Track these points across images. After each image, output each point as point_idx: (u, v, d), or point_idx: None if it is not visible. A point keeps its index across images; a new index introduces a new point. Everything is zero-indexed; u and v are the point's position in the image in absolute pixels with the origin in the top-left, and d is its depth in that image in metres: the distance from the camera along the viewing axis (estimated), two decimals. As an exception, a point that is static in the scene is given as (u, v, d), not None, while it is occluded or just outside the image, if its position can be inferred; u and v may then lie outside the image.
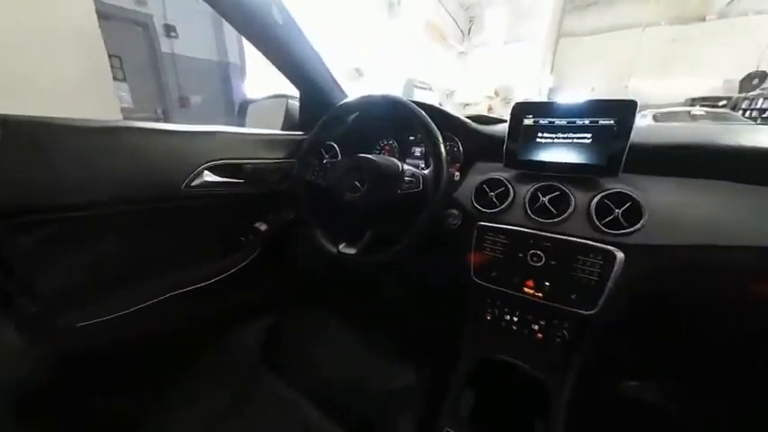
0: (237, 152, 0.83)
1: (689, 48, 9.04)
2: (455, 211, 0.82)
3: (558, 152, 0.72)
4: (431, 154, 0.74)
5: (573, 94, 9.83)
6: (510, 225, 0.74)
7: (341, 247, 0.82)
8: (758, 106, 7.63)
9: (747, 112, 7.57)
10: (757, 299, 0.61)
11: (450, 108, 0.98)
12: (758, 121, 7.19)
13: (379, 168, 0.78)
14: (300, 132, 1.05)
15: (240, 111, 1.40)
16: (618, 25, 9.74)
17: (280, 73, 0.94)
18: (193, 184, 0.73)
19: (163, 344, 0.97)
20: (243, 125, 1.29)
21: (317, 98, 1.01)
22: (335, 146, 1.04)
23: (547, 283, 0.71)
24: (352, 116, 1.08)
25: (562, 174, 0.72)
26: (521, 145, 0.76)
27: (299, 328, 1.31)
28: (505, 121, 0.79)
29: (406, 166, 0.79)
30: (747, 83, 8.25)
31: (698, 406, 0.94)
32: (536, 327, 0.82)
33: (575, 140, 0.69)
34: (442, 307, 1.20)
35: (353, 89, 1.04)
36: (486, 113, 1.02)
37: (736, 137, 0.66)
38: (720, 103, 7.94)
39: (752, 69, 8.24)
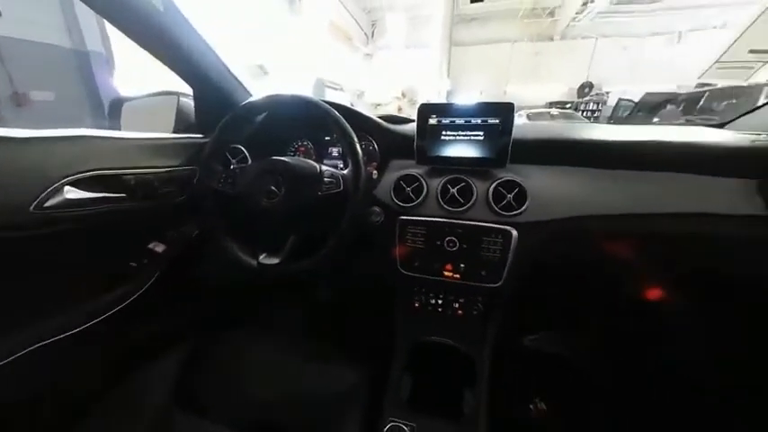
0: (115, 161, 0.68)
1: (546, 60, 11.28)
2: (377, 209, 0.85)
3: (460, 148, 0.81)
4: (348, 154, 0.75)
5: (467, 97, 11.21)
6: (427, 217, 0.81)
7: (261, 258, 0.76)
8: (589, 108, 10.14)
9: (584, 113, 9.92)
10: (614, 257, 0.82)
11: (363, 108, 1.00)
12: (591, 120, 9.49)
13: (295, 171, 0.75)
14: (199, 135, 0.93)
15: (112, 111, 1.15)
16: (494, 39, 11.50)
17: (161, 67, 0.81)
18: (49, 204, 0.57)
19: (47, 402, 0.78)
20: (117, 129, 1.06)
21: (215, 97, 0.91)
22: (243, 149, 0.95)
23: (462, 265, 0.81)
24: (261, 117, 1.01)
25: (465, 167, 0.82)
26: (429, 142, 0.83)
27: (219, 354, 1.16)
28: (414, 121, 0.85)
29: (324, 167, 0.77)
30: (581, 90, 10.87)
31: (588, 353, 1.19)
32: (456, 305, 0.92)
33: (472, 137, 0.79)
34: (373, 302, 1.23)
35: (258, 88, 0.97)
36: (396, 113, 1.08)
37: (579, 132, 0.86)
38: (567, 106, 10.26)
39: (584, 80, 10.84)
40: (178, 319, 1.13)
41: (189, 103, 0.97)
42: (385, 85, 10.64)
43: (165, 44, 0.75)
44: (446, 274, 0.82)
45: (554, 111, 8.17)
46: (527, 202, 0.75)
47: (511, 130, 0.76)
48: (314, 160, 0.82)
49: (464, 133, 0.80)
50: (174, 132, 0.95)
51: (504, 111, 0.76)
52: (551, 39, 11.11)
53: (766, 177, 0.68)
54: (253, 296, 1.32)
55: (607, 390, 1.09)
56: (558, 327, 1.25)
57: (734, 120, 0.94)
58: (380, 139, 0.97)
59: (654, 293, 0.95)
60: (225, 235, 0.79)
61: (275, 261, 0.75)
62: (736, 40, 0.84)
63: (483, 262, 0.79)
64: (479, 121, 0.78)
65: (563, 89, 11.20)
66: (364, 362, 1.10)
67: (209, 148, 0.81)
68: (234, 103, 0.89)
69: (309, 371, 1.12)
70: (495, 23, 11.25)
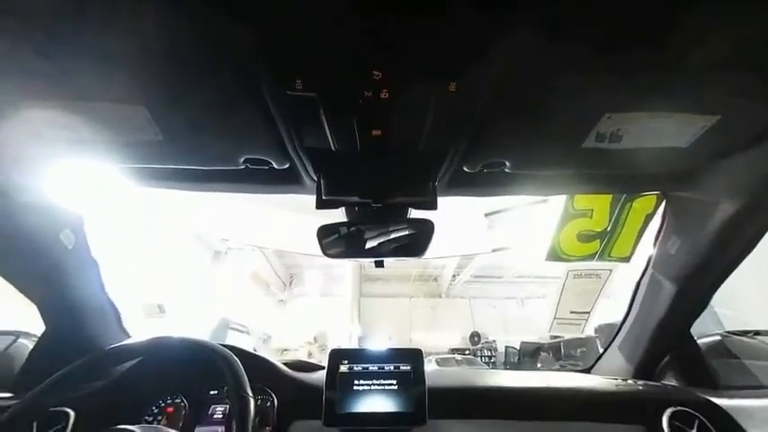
0: None
1: (440, 313, 13.45)
2: None
3: (373, 401, 0.72)
4: (235, 415, 0.58)
5: (377, 342, 11.51)
6: None
7: None
8: (485, 354, 11.33)
9: (482, 358, 10.91)
10: None
11: (266, 354, 0.90)
12: (489, 365, 10.30)
13: None
14: (7, 395, 0.64)
15: None
16: (396, 294, 13.84)
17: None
18: None
19: None
20: None
21: (71, 338, 0.73)
22: (70, 414, 0.66)
23: None
24: (127, 364, 0.79)
25: (380, 427, 0.70)
26: (339, 395, 0.73)
27: None
28: (324, 368, 0.78)
29: (193, 440, 0.55)
30: (472, 338, 12.53)
31: None
32: None
33: (385, 387, 0.74)
34: None
35: (150, 328, 0.84)
36: (306, 359, 0.99)
37: (492, 380, 0.90)
38: (466, 352, 11.32)
39: (471, 329, 12.81)
40: None
41: (27, 347, 0.74)
42: (296, 329, 10.47)
43: (46, 281, 0.68)
44: None
45: (458, 356, 8.99)
46: None
47: (424, 379, 0.74)
48: (182, 427, 0.60)
49: (377, 382, 0.74)
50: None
51: (414, 356, 0.77)
52: (440, 296, 13.94)
53: (646, 423, 0.74)
54: None
55: None
56: None
57: (593, 365, 1.13)
58: (282, 392, 0.82)
59: None
60: None
61: None
62: (557, 306, 1.24)
63: None
64: (392, 367, 0.76)
65: (458, 337, 12.74)
66: None
67: (4, 419, 0.53)
68: (96, 347, 0.72)
69: None
70: (395, 283, 13.95)
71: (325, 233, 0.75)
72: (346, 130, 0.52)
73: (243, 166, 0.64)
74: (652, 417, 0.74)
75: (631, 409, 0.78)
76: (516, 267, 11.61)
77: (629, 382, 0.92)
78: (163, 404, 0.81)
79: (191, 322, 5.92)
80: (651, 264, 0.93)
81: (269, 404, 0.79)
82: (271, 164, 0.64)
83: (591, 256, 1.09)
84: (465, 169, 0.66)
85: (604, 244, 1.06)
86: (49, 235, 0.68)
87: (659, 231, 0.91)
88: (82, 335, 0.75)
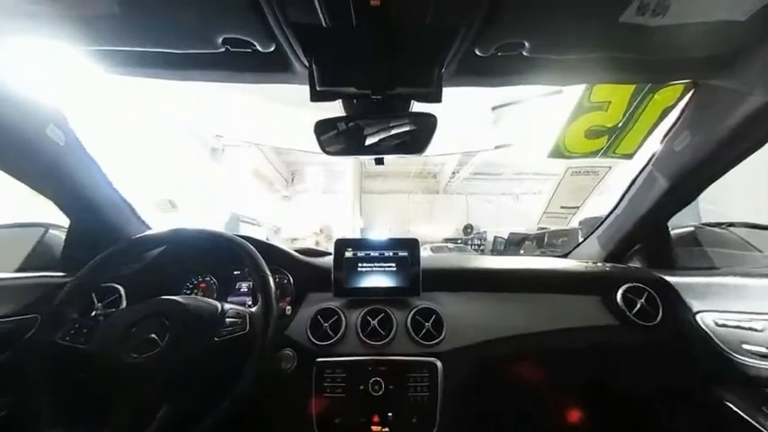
0: None
1: (437, 207, 14.27)
2: (289, 352, 0.75)
3: (376, 278, 0.85)
4: (259, 289, 0.69)
5: (378, 233, 12.63)
6: (348, 356, 0.74)
7: None
8: (475, 243, 12.64)
9: (472, 246, 12.24)
10: (524, 379, 0.84)
11: (278, 242, 1.01)
12: (478, 252, 11.59)
13: (189, 312, 0.62)
14: (58, 274, 0.74)
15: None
16: (396, 190, 14.35)
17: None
18: None
19: None
20: None
21: (97, 229, 0.80)
22: (120, 288, 0.79)
23: (389, 414, 0.71)
24: (155, 251, 0.89)
25: (382, 297, 0.84)
26: (346, 274, 0.85)
27: None
28: (331, 254, 0.88)
29: (227, 305, 0.68)
30: (465, 230, 13.69)
31: None
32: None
33: (386, 268, 0.85)
34: None
35: (165, 221, 0.90)
36: (314, 247, 1.11)
37: (477, 262, 1.03)
38: (458, 241, 12.59)
39: (465, 222, 13.87)
40: None
41: (56, 236, 0.82)
42: (302, 221, 11.30)
43: (54, 177, 0.69)
44: (374, 429, 0.70)
45: (450, 245, 10.12)
46: (444, 330, 0.78)
47: (419, 262, 0.85)
48: (216, 298, 0.72)
49: (378, 265, 0.85)
50: (19, 270, 0.75)
51: (411, 244, 0.87)
52: (437, 192, 14.51)
53: (604, 295, 0.88)
54: None
55: None
56: None
57: (570, 251, 1.27)
58: (296, 272, 0.95)
59: (566, 408, 0.99)
60: (55, 419, 0.53)
61: None
62: (549, 201, 1.33)
63: (413, 405, 0.71)
64: (391, 253, 0.86)
65: (452, 228, 13.91)
66: None
67: (69, 288, 0.64)
68: (122, 236, 0.79)
69: None
70: (394, 179, 14.27)
71: (323, 129, 0.72)
72: None
73: (222, 49, 0.56)
74: (609, 290, 0.88)
75: (594, 284, 0.93)
76: (516, 165, 11.64)
77: (598, 264, 1.05)
78: (196, 281, 0.96)
79: (203, 216, 6.34)
80: (652, 161, 0.93)
81: (286, 281, 0.93)
82: (254, 45, 0.55)
83: (595, 153, 1.08)
84: (477, 52, 0.58)
85: (612, 140, 1.03)
86: (33, 130, 0.65)
87: (672, 127, 0.87)
88: (106, 226, 0.81)
